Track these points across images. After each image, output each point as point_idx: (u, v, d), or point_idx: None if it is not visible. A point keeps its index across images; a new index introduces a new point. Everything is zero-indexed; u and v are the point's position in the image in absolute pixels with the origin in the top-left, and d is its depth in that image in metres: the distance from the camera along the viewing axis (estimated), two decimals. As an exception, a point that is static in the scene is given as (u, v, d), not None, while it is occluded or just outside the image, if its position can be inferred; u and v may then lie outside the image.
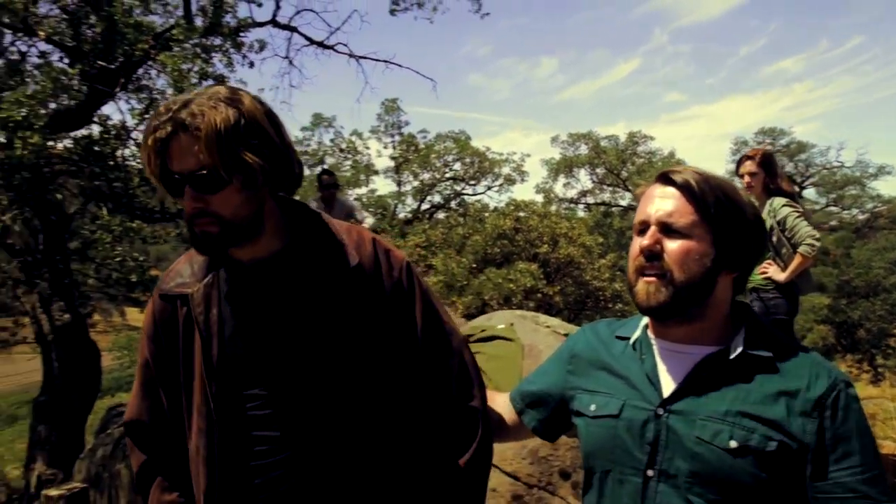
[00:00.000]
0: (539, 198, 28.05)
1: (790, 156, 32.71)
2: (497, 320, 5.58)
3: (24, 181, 7.30)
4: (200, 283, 1.50)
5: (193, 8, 8.57)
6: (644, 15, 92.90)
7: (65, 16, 7.99)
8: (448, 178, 22.27)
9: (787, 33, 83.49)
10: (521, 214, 15.13)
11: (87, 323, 8.86)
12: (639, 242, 1.35)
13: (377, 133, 22.60)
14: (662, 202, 1.34)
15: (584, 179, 30.12)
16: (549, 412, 1.62)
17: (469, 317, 9.51)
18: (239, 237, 1.41)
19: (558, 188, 29.94)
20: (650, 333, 1.45)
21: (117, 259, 7.91)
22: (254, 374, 1.46)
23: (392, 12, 11.11)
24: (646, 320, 1.47)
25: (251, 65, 9.58)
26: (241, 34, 9.22)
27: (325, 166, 20.53)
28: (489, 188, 22.55)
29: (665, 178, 1.37)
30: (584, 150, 29.65)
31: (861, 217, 32.52)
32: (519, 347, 4.77)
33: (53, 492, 6.31)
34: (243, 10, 27.54)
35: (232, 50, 9.02)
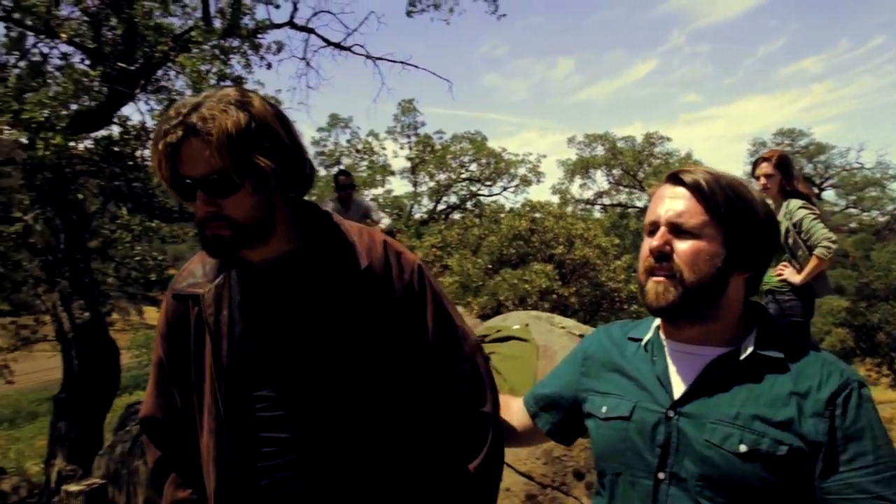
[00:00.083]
0: (555, 199, 28.03)
1: (809, 157, 32.43)
2: (512, 321, 5.60)
3: (45, 181, 7.39)
4: (211, 284, 1.50)
5: (212, 10, 8.65)
6: (662, 15, 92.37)
7: (86, 18, 8.08)
8: (464, 179, 22.30)
9: (806, 33, 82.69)
10: (537, 215, 15.12)
11: (106, 321, 8.95)
12: (649, 243, 1.34)
13: (393, 134, 22.67)
14: (672, 202, 1.33)
15: (600, 180, 30.07)
16: (562, 415, 1.61)
17: (484, 317, 9.52)
18: (250, 240, 1.40)
19: (574, 189, 29.92)
20: (662, 335, 1.44)
21: (136, 258, 8.00)
22: (263, 375, 1.46)
23: (409, 14, 11.14)
24: (658, 321, 1.45)
25: (269, 66, 9.63)
26: (259, 36, 9.28)
27: (342, 167, 20.59)
28: (505, 189, 22.58)
29: (675, 179, 1.36)
30: (600, 150, 29.58)
31: (881, 219, 32.17)
32: (534, 348, 4.79)
33: (73, 487, 6.39)
34: (261, 12, 27.74)
35: (250, 51, 9.09)
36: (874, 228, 31.84)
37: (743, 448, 1.22)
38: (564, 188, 29.74)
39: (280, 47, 10.03)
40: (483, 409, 1.58)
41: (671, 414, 1.32)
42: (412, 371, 1.52)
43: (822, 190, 32.70)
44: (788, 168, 4.84)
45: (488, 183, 22.39)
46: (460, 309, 9.37)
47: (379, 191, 22.09)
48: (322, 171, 20.91)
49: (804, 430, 1.21)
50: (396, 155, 24.08)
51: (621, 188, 29.98)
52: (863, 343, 22.11)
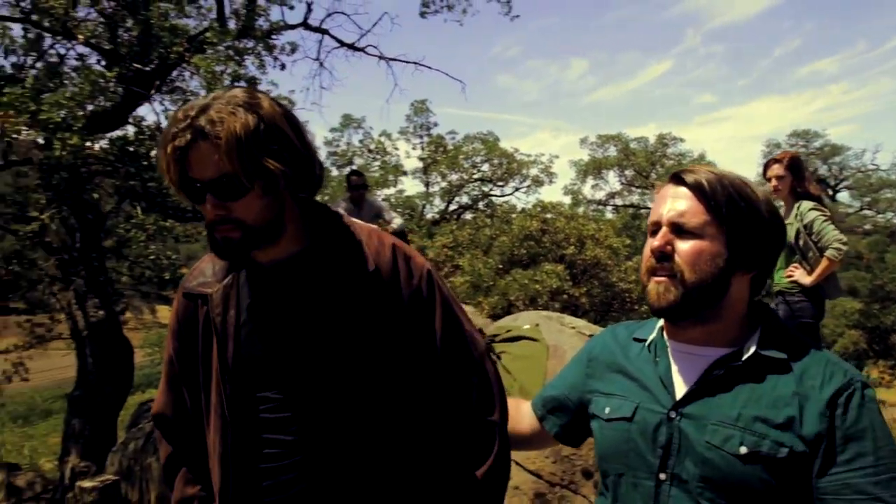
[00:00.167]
0: (567, 199, 28.02)
1: (824, 158, 32.26)
2: (523, 321, 5.62)
3: (62, 181, 7.47)
4: (220, 284, 1.51)
5: (226, 11, 8.71)
6: (677, 16, 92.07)
7: (102, 19, 8.16)
8: (476, 180, 22.30)
9: (822, 34, 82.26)
10: (548, 216, 15.11)
11: (120, 320, 9.02)
12: (650, 243, 1.34)
13: (406, 134, 22.72)
14: (674, 202, 1.33)
15: (612, 181, 30.05)
16: (569, 417, 1.60)
17: (495, 317, 9.54)
18: (260, 241, 1.40)
19: (587, 190, 29.90)
20: (665, 335, 1.43)
21: (150, 257, 8.06)
22: (268, 376, 1.45)
23: (422, 15, 11.16)
24: (662, 322, 1.44)
25: (282, 67, 9.69)
26: (273, 37, 9.35)
27: (354, 167, 20.64)
28: (517, 189, 22.57)
29: (677, 178, 1.36)
30: (613, 151, 29.54)
31: (896, 221, 31.93)
32: (544, 348, 4.81)
33: (87, 483, 6.48)
34: (275, 14, 27.84)
35: (264, 52, 9.15)
36: (889, 230, 31.61)
37: (743, 450, 1.21)
38: (576, 189, 29.76)
39: (294, 48, 10.09)
40: (490, 417, 1.55)
41: (673, 415, 1.31)
42: (418, 376, 1.51)
43: (836, 191, 32.52)
44: (800, 170, 4.83)
45: (500, 183, 22.40)
46: (471, 309, 9.41)
47: (391, 191, 22.15)
48: (334, 171, 20.99)
49: (805, 431, 1.20)
50: (409, 155, 24.19)
51: (633, 189, 29.92)
52: (876, 345, 21.95)
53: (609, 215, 28.53)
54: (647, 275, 1.35)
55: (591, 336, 4.68)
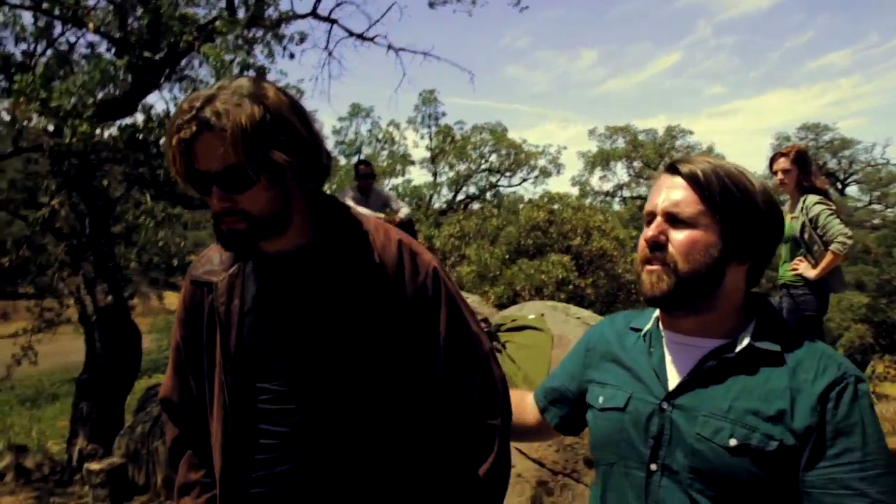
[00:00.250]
0: (575, 190, 28.00)
1: (833, 152, 32.08)
2: (528, 310, 5.65)
3: (72, 167, 7.52)
4: (226, 273, 1.50)
5: (236, 0, 8.72)
6: (687, 7, 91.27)
7: (112, 8, 8.19)
8: (484, 170, 22.31)
9: (833, 27, 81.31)
10: (555, 207, 15.13)
11: (129, 305, 9.09)
12: (645, 233, 1.34)
13: (414, 124, 22.68)
14: (669, 192, 1.32)
15: (620, 173, 29.97)
16: (569, 408, 1.60)
17: (501, 307, 9.58)
18: (267, 232, 1.39)
19: (594, 181, 29.84)
20: (661, 326, 1.43)
21: (159, 244, 8.12)
22: (269, 367, 1.45)
23: (431, 5, 11.11)
24: (657, 312, 1.44)
25: (291, 56, 9.64)
26: (282, 26, 9.33)
27: (362, 156, 20.69)
28: (524, 180, 22.59)
29: (673, 168, 1.35)
30: (621, 143, 29.46)
31: (904, 215, 31.76)
32: (549, 337, 4.84)
33: (94, 466, 6.58)
34: (285, 3, 27.79)
35: (273, 42, 9.15)
36: (898, 225, 31.43)
37: (733, 442, 1.21)
38: (584, 180, 29.72)
39: (303, 37, 10.04)
40: (491, 420, 1.52)
41: (665, 406, 1.31)
42: (419, 374, 1.49)
43: (845, 185, 32.36)
44: (806, 163, 4.85)
45: (508, 174, 22.42)
46: (477, 298, 9.44)
47: (399, 180, 22.17)
48: (342, 161, 21.00)
49: (795, 424, 1.20)
50: (417, 145, 24.23)
51: (641, 181, 29.83)
52: (882, 339, 21.88)
53: (616, 207, 28.53)
54: (641, 264, 1.35)
55: (594, 327, 4.71)
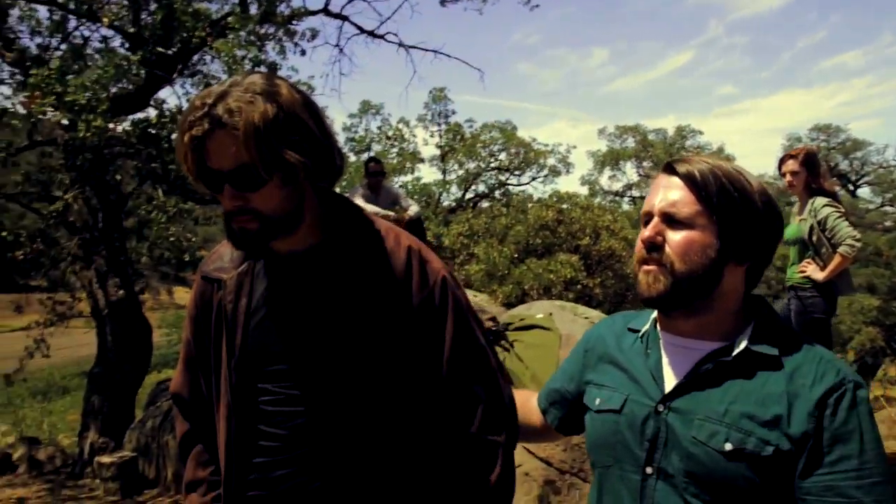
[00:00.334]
0: (584, 190, 27.97)
1: (845, 153, 31.94)
2: (536, 310, 5.68)
3: (85, 162, 7.58)
4: (235, 271, 1.49)
5: (248, -4, 8.75)
6: (699, 5, 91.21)
7: (126, 3, 8.24)
8: (493, 168, 22.26)
9: (847, 27, 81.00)
10: (564, 206, 15.14)
11: (140, 300, 9.15)
12: (642, 233, 1.33)
13: (424, 121, 22.64)
14: (666, 192, 1.31)
15: (630, 172, 29.92)
16: (568, 409, 1.59)
17: (509, 306, 9.60)
18: (278, 231, 1.37)
19: (604, 180, 29.81)
20: (658, 327, 1.41)
21: (170, 239, 8.17)
22: (272, 369, 1.43)
23: (442, 3, 11.10)
24: (655, 313, 1.43)
25: (303, 53, 9.68)
26: (294, 23, 9.36)
27: (372, 153, 20.69)
28: (534, 179, 22.53)
29: (670, 168, 1.34)
30: (631, 142, 29.42)
31: (917, 218, 31.58)
32: (557, 337, 4.87)
33: (105, 459, 6.63)
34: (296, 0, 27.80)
35: (284, 38, 9.18)
36: (909, 227, 31.24)
37: (728, 446, 1.20)
38: (593, 179, 29.68)
39: (314, 34, 10.07)
40: (494, 436, 1.49)
41: (660, 408, 1.30)
42: (423, 383, 1.47)
43: (857, 187, 32.21)
44: (815, 165, 4.84)
45: (517, 172, 22.35)
46: (485, 297, 9.46)
47: (408, 178, 22.15)
48: (352, 157, 21.01)
49: (792, 430, 1.18)
50: (426, 143, 24.15)
51: (651, 181, 29.75)
52: (894, 342, 21.75)
53: (626, 206, 28.45)
54: (638, 265, 1.34)
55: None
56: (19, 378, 9.13)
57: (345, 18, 10.52)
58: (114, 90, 7.83)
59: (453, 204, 21.79)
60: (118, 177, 8.40)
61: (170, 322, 26.88)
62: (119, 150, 7.98)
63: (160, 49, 7.99)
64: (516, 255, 14.10)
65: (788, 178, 4.86)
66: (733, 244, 1.28)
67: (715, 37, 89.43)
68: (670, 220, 1.29)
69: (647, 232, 1.31)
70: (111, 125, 7.15)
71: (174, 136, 7.88)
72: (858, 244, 4.58)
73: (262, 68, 7.97)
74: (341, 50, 11.12)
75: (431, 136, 22.64)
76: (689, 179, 1.29)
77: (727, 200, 1.27)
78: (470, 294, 7.73)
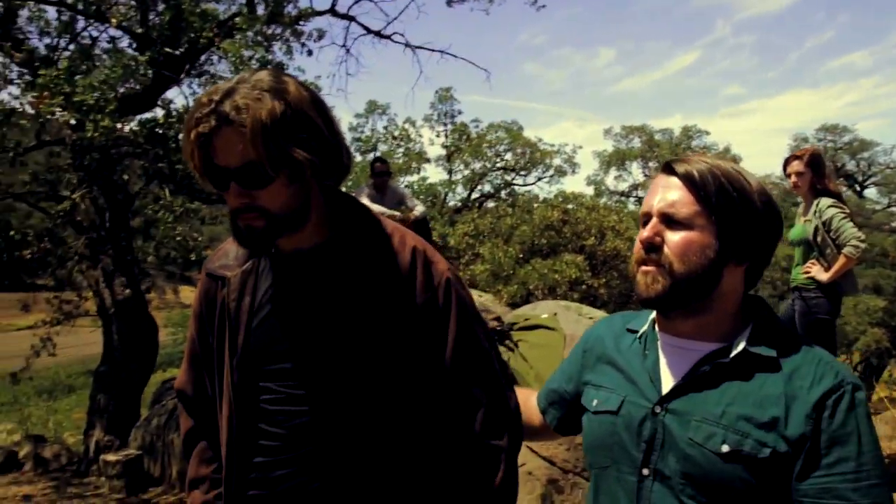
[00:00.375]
0: (590, 190, 27.96)
1: (852, 154, 31.86)
2: (541, 310, 5.69)
3: (93, 161, 7.62)
4: (240, 269, 1.48)
5: (255, -3, 8.79)
6: (706, 5, 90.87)
7: (134, 3, 8.28)
8: (499, 168, 22.28)
9: (855, 27, 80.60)
10: (570, 206, 15.12)
11: (146, 299, 9.19)
12: (641, 234, 1.32)
13: (430, 121, 22.68)
14: (665, 192, 1.30)
15: (636, 173, 29.89)
16: (567, 409, 1.59)
17: (514, 305, 9.61)
18: (284, 229, 1.36)
19: (609, 181, 29.79)
20: (656, 328, 1.41)
21: (177, 238, 8.20)
22: (274, 367, 1.42)
23: (449, 3, 11.14)
24: (654, 314, 1.42)
25: (309, 53, 9.69)
26: (301, 23, 9.38)
27: (378, 153, 20.72)
28: (539, 179, 22.56)
29: (669, 168, 1.33)
30: (637, 143, 29.40)
31: (923, 219, 31.47)
32: (561, 337, 4.88)
33: (111, 457, 6.67)
34: (303, 0, 27.84)
35: (291, 38, 9.20)
36: (916, 228, 31.12)
37: (725, 448, 1.19)
38: (599, 179, 29.67)
39: (321, 34, 10.09)
40: (496, 441, 1.47)
41: (657, 410, 1.30)
42: (425, 384, 1.45)
43: (864, 187, 32.13)
44: (820, 166, 4.85)
45: (523, 173, 22.38)
46: (490, 297, 9.47)
47: (414, 178, 22.17)
48: (358, 157, 21.04)
49: (789, 432, 1.17)
50: (432, 143, 24.09)
51: (650, 181, 29.69)
52: (900, 345, 21.68)
53: (631, 207, 28.39)
54: (637, 265, 1.33)
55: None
56: (25, 376, 9.18)
57: (351, 19, 10.55)
58: (121, 90, 7.87)
59: (459, 204, 21.81)
60: (125, 176, 8.44)
61: (175, 321, 26.89)
62: (126, 150, 8.01)
63: (168, 49, 8.02)
64: (521, 256, 14.08)
65: (793, 178, 4.87)
66: (732, 244, 1.27)
67: (722, 37, 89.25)
68: (669, 221, 1.29)
69: (645, 232, 1.31)
70: (119, 125, 7.18)
71: (181, 136, 7.92)
72: (863, 245, 4.58)
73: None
74: (348, 50, 11.17)
75: (437, 136, 22.68)
76: (687, 179, 1.28)
77: (726, 200, 1.26)
78: (475, 294, 7.74)
